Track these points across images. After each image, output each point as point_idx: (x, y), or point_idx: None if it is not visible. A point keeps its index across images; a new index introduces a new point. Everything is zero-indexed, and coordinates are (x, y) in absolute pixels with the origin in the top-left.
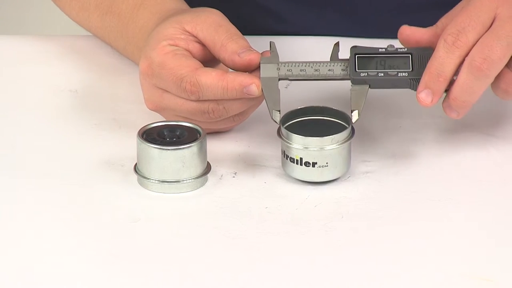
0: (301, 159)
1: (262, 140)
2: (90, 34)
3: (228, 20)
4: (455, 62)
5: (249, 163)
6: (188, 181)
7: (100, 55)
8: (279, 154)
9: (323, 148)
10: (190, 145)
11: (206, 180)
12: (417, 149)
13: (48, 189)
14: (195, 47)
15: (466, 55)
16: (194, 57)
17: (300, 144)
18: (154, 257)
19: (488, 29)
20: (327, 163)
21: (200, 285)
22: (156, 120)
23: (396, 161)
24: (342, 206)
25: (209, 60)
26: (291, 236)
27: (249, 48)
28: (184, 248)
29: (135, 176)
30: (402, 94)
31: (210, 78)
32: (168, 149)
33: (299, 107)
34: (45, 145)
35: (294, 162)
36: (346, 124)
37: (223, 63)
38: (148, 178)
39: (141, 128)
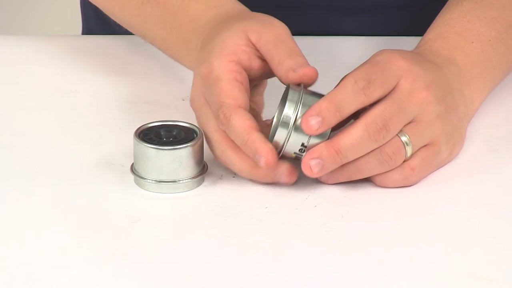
0: None
1: None
2: (90, 34)
3: (290, 34)
4: (356, 106)
5: None
6: (185, 181)
7: (100, 55)
8: None
9: None
10: (187, 145)
11: (203, 180)
12: None
13: (47, 189)
14: (257, 63)
15: (362, 106)
16: (254, 73)
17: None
18: (152, 257)
19: (387, 95)
20: None
21: (200, 285)
22: (154, 120)
23: None
24: (342, 206)
25: (270, 74)
26: (291, 236)
27: (305, 64)
28: (183, 248)
29: (132, 176)
30: None
31: (240, 123)
32: (165, 149)
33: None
34: (45, 145)
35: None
36: None
37: (279, 80)
38: (145, 178)
39: (138, 128)
